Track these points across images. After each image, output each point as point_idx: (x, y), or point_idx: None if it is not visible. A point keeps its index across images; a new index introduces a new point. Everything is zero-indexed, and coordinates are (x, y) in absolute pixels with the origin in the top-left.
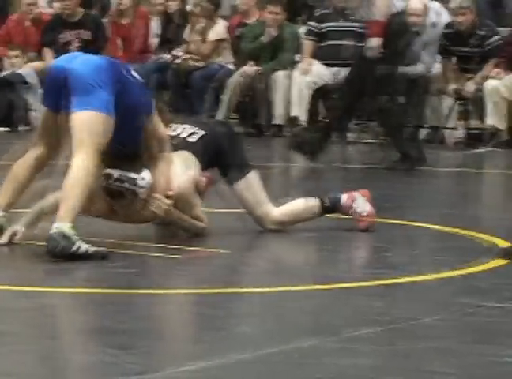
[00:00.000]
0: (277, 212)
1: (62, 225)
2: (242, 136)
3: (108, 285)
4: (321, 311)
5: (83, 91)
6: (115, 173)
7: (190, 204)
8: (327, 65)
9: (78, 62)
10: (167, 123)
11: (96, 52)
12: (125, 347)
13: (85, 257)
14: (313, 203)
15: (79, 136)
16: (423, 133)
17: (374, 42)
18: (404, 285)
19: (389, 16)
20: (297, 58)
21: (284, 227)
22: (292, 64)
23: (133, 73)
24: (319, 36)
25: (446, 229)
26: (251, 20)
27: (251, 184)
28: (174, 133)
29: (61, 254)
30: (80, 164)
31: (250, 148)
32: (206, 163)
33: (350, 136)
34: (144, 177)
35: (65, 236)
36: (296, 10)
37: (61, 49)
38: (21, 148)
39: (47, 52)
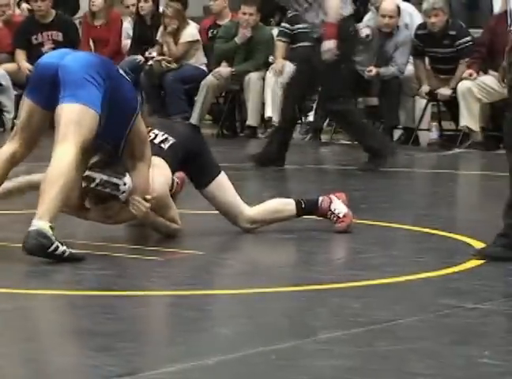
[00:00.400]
0: (252, 210)
1: (41, 223)
2: (215, 138)
3: (86, 287)
4: (299, 312)
5: (73, 86)
6: (98, 177)
7: (166, 206)
8: None
9: (70, 58)
10: (147, 126)
11: None
12: (104, 348)
13: (61, 258)
14: (288, 203)
15: (65, 128)
16: (397, 134)
17: (330, 44)
18: (382, 286)
19: (339, 21)
20: (270, 59)
21: (259, 226)
22: (266, 65)
23: (121, 72)
24: (291, 38)
25: (423, 230)
26: (224, 22)
27: (222, 185)
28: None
29: (38, 253)
30: (64, 158)
31: (224, 150)
32: (174, 170)
33: (323, 137)
34: (126, 181)
35: (43, 235)
36: (269, 12)
37: (33, 50)
38: None
39: (20, 54)
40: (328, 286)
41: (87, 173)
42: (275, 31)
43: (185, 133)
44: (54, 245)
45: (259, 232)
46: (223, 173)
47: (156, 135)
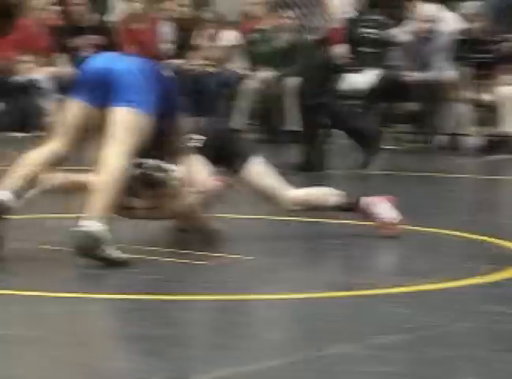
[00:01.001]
0: (292, 192)
1: (91, 224)
2: (255, 143)
3: (135, 291)
4: (348, 318)
5: (128, 90)
6: (148, 162)
7: (209, 203)
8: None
9: (123, 62)
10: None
11: None
12: (153, 353)
13: (108, 260)
14: (334, 193)
15: (118, 131)
16: (439, 139)
17: (341, 49)
18: (431, 292)
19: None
20: None
21: (301, 209)
22: None
23: (165, 73)
24: None
25: (470, 236)
26: (263, 26)
27: (258, 168)
28: None
29: (86, 253)
30: (116, 161)
31: (264, 155)
32: (211, 164)
33: None
34: (176, 169)
35: (93, 235)
36: None
37: (72, 54)
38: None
39: (59, 57)
40: (376, 291)
41: (136, 160)
42: None
43: (211, 127)
44: (102, 247)
45: (308, 238)
46: (258, 156)
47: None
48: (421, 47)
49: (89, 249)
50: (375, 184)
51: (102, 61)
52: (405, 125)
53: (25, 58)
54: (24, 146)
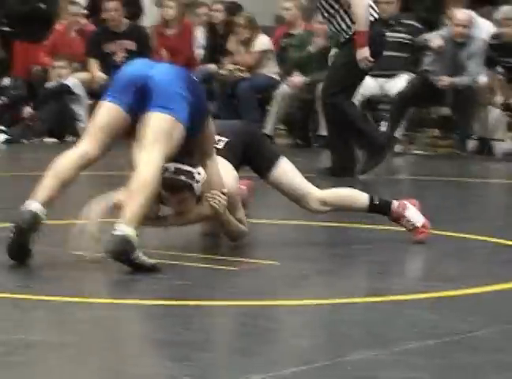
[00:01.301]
0: (322, 193)
1: (127, 229)
2: (289, 148)
3: (163, 297)
4: (375, 323)
5: (165, 98)
6: (172, 165)
7: (236, 205)
8: (373, 76)
9: (160, 70)
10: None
11: None
12: (181, 359)
13: (140, 267)
14: (362, 195)
15: (154, 136)
16: (471, 144)
17: (364, 52)
18: (459, 298)
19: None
20: None
21: (329, 210)
22: None
23: (195, 78)
24: None
25: (499, 241)
26: (297, 31)
27: (285, 170)
28: None
29: (120, 258)
30: (151, 167)
31: (298, 160)
32: (236, 167)
33: (397, 147)
34: (200, 171)
35: (128, 241)
36: None
37: (106, 59)
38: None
39: (93, 63)
40: (404, 297)
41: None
42: None
43: (238, 129)
44: (136, 253)
45: (335, 243)
46: (284, 158)
47: None
48: (455, 52)
49: (123, 253)
50: (406, 189)
51: (139, 67)
52: (437, 130)
53: (59, 63)
54: (57, 152)
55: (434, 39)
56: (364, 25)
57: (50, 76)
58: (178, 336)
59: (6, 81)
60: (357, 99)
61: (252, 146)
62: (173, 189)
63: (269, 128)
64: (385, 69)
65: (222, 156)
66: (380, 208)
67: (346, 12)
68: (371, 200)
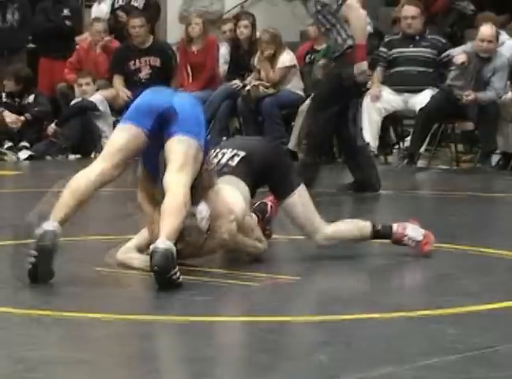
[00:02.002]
0: (329, 228)
1: (171, 245)
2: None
3: (185, 313)
4: (395, 339)
5: (190, 123)
6: None
7: (248, 227)
8: (396, 91)
9: (182, 97)
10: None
11: (165, 79)
12: (200, 375)
13: (174, 284)
14: (365, 225)
15: (183, 159)
16: (495, 159)
17: (363, 66)
18: (479, 313)
19: None
20: (367, 84)
21: (333, 244)
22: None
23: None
24: (388, 62)
25: None
26: (321, 46)
27: (302, 198)
28: (214, 160)
29: (162, 272)
30: (183, 188)
31: (322, 176)
32: (254, 183)
33: (420, 162)
34: (202, 209)
35: (171, 256)
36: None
37: (131, 76)
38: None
39: (117, 79)
40: (424, 312)
41: None
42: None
43: (259, 145)
44: (175, 270)
45: (356, 259)
46: (303, 187)
47: (224, 154)
48: (480, 67)
49: (166, 268)
50: (428, 204)
51: (161, 94)
52: (461, 145)
53: (84, 80)
54: (81, 169)
55: (458, 54)
56: (364, 39)
57: (75, 92)
58: (198, 352)
59: (31, 98)
60: (380, 113)
61: (274, 167)
62: (180, 236)
63: (292, 143)
64: (409, 85)
65: (232, 173)
66: (382, 234)
67: (342, 26)
68: (373, 227)
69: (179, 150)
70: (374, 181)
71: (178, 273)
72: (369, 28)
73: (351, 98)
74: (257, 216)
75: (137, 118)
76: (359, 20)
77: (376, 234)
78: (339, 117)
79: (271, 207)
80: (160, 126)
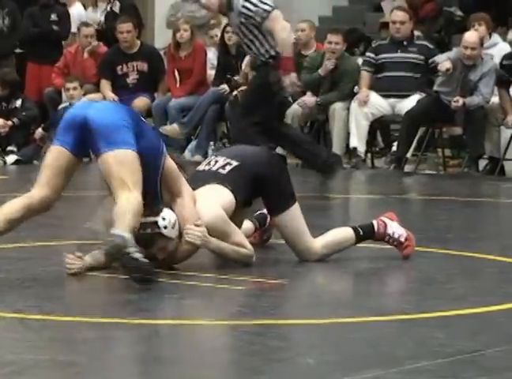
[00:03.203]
0: (318, 245)
1: (119, 230)
2: (300, 168)
3: (172, 316)
4: (383, 342)
5: (107, 133)
6: None
7: (224, 232)
8: (384, 96)
9: (97, 106)
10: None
11: (153, 84)
12: (189, 377)
13: (135, 262)
14: (349, 233)
15: (119, 176)
16: (482, 163)
17: (291, 78)
18: (467, 316)
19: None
20: (355, 89)
21: (323, 259)
22: (351, 95)
23: (141, 117)
24: (376, 67)
25: (508, 260)
26: (309, 52)
27: (294, 217)
28: (205, 167)
29: (115, 252)
30: (124, 202)
31: (309, 180)
32: (245, 193)
33: (407, 167)
34: (165, 216)
35: (121, 237)
36: (354, 41)
37: (118, 81)
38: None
39: (105, 84)
40: (411, 316)
41: None
42: (360, 60)
43: (256, 156)
44: (130, 248)
45: (344, 262)
46: (297, 204)
47: (217, 161)
48: (465, 74)
49: (118, 248)
50: (416, 208)
51: (77, 107)
52: (448, 150)
53: (71, 84)
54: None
55: (443, 61)
56: (291, 51)
57: (62, 97)
58: (185, 355)
59: (18, 103)
60: (368, 118)
61: (268, 181)
62: (146, 244)
63: (281, 148)
64: (397, 90)
65: (221, 182)
66: (365, 237)
67: (265, 37)
68: (356, 233)
69: (110, 169)
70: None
71: (135, 252)
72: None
73: (275, 106)
74: (257, 224)
75: (59, 137)
76: (284, 32)
77: (359, 239)
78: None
79: (254, 237)
80: (84, 141)
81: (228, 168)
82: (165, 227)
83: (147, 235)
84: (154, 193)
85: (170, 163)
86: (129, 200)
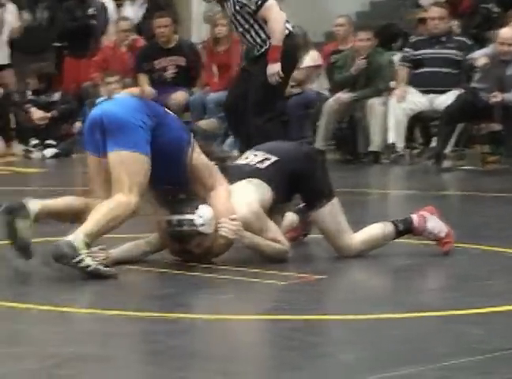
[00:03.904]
0: (357, 240)
1: (72, 236)
2: (339, 164)
3: (209, 311)
4: (420, 339)
5: (118, 132)
6: (173, 218)
7: (258, 227)
8: (423, 92)
9: (112, 103)
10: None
11: (190, 79)
12: (226, 373)
13: (84, 271)
14: (389, 228)
15: (117, 177)
16: None
17: (275, 68)
18: (506, 313)
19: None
20: (392, 84)
21: (362, 254)
22: (387, 90)
23: (167, 110)
24: (414, 63)
25: None
26: (347, 47)
27: (333, 212)
28: (244, 162)
29: (60, 260)
30: (115, 200)
31: (347, 175)
32: (283, 188)
33: (446, 163)
34: (202, 213)
35: (70, 245)
36: (391, 37)
37: (156, 75)
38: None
39: (142, 78)
40: (450, 312)
41: (166, 218)
42: (397, 56)
43: (293, 152)
44: (78, 258)
45: (382, 259)
46: (335, 199)
47: (255, 156)
48: (502, 70)
49: (64, 257)
50: (455, 204)
51: (96, 108)
52: (487, 146)
53: (109, 79)
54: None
55: (479, 57)
56: (280, 40)
57: (101, 91)
58: (223, 350)
59: (56, 96)
60: (407, 114)
61: (306, 176)
62: (182, 241)
63: (318, 143)
64: (435, 86)
65: (259, 176)
66: (405, 231)
67: (260, 25)
68: (396, 227)
69: (112, 169)
70: None
71: (84, 261)
72: (290, 28)
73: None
74: (301, 217)
75: (86, 144)
76: (277, 21)
77: (400, 234)
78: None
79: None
80: (104, 141)
81: (267, 163)
82: (202, 225)
83: (184, 232)
84: (184, 187)
85: (200, 157)
86: (117, 200)
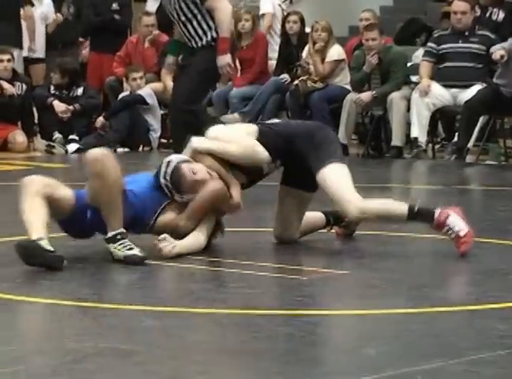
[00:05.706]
0: (364, 201)
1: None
2: (361, 158)
3: (231, 305)
4: (445, 333)
5: None
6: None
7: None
8: (446, 86)
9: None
10: None
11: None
12: (246, 367)
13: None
14: (402, 204)
15: None
16: None
17: (226, 59)
18: None
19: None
20: (415, 79)
21: (367, 218)
22: (407, 84)
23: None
24: (438, 58)
25: None
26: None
27: (335, 172)
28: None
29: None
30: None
31: (370, 170)
32: (278, 152)
33: (469, 157)
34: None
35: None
36: (415, 32)
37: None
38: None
39: (166, 73)
40: (472, 307)
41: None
42: (421, 51)
43: (303, 123)
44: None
45: (404, 253)
46: (338, 163)
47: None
48: None
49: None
50: (477, 199)
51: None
52: (511, 140)
53: (134, 74)
54: (129, 161)
55: (497, 50)
56: (229, 32)
57: (124, 86)
58: (246, 345)
59: (80, 91)
60: (429, 108)
61: (313, 137)
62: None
63: (341, 137)
64: (458, 80)
65: (265, 133)
66: (420, 216)
67: (204, 17)
68: (411, 208)
69: None
70: None
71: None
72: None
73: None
74: (331, 219)
75: None
76: (225, 12)
77: (414, 216)
78: None
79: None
80: None
81: (277, 121)
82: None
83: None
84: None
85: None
86: None
